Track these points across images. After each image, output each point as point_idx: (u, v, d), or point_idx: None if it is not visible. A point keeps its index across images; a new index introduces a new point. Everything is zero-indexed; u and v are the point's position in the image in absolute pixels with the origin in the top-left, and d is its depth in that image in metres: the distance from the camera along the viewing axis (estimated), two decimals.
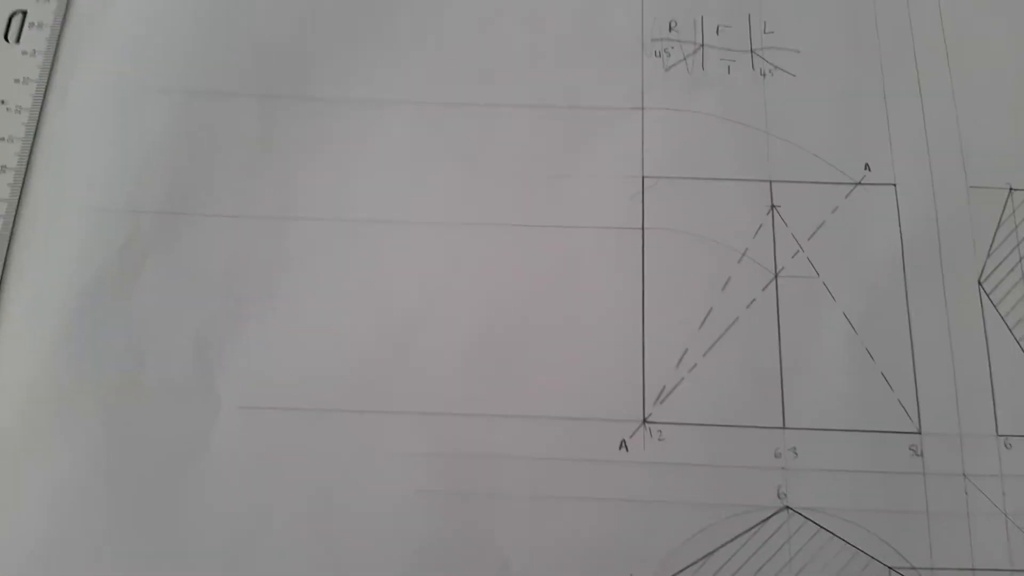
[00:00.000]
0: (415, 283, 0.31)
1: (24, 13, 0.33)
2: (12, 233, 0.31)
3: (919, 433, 0.30)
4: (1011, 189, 0.32)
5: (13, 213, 0.31)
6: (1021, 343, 0.31)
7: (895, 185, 0.33)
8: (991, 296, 0.31)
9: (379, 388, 0.30)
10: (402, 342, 0.31)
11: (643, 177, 0.33)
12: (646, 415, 0.30)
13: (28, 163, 0.32)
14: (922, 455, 0.29)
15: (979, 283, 0.31)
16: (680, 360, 0.31)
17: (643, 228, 0.32)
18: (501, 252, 0.32)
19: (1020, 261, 0.32)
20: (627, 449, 0.30)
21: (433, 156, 0.33)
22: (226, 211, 0.32)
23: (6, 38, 0.33)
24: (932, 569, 0.28)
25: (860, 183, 0.33)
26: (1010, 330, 0.31)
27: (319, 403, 0.30)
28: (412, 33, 0.35)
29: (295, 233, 0.32)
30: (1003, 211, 0.32)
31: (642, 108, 0.34)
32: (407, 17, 0.35)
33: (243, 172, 0.32)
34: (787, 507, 0.29)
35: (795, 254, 0.32)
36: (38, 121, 0.32)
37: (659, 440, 0.30)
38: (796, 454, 0.29)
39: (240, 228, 0.32)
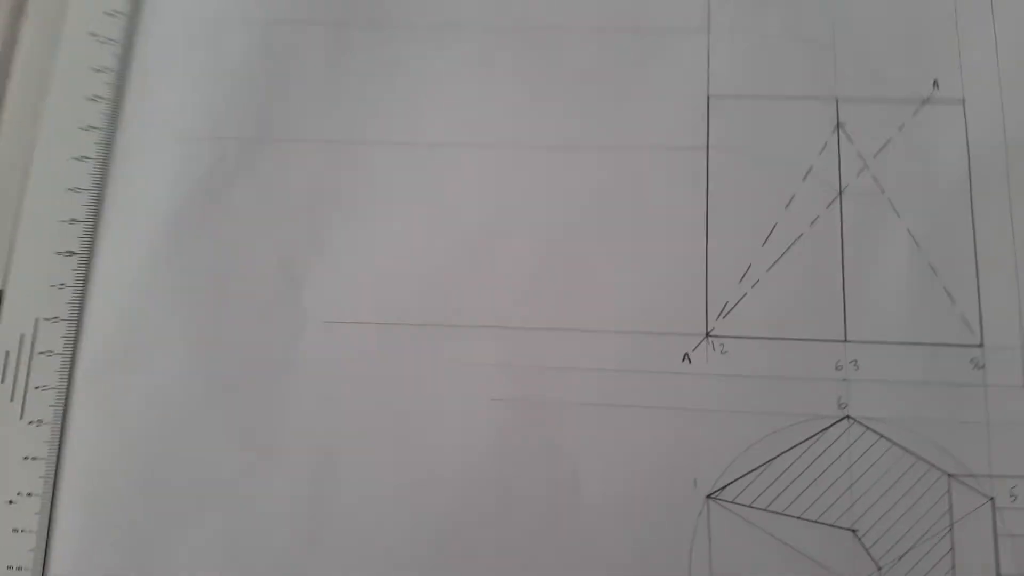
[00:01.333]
0: (486, 203, 0.33)
1: None
2: (107, 161, 0.33)
3: (981, 346, 0.30)
4: None
5: (108, 142, 0.33)
6: None
7: (963, 103, 0.32)
8: None
9: (454, 302, 0.32)
10: (475, 259, 0.32)
11: (708, 96, 0.33)
12: (709, 329, 0.31)
13: (120, 93, 0.34)
14: (984, 367, 0.30)
15: None
16: (743, 276, 0.31)
17: (708, 147, 0.33)
18: (568, 172, 0.33)
19: None
20: (690, 361, 0.31)
21: (501, 80, 0.34)
22: (305, 136, 0.33)
23: None
24: (991, 476, 0.29)
25: (928, 100, 0.32)
26: None
27: (398, 317, 0.32)
28: None
29: (372, 156, 0.33)
30: None
31: (708, 28, 0.34)
32: None
33: (319, 98, 0.34)
34: (847, 416, 0.30)
35: (860, 171, 0.32)
36: (128, 53, 0.34)
37: (722, 353, 0.31)
38: (857, 367, 0.30)
39: (319, 152, 0.33)
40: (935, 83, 0.33)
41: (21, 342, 0.31)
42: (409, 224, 0.32)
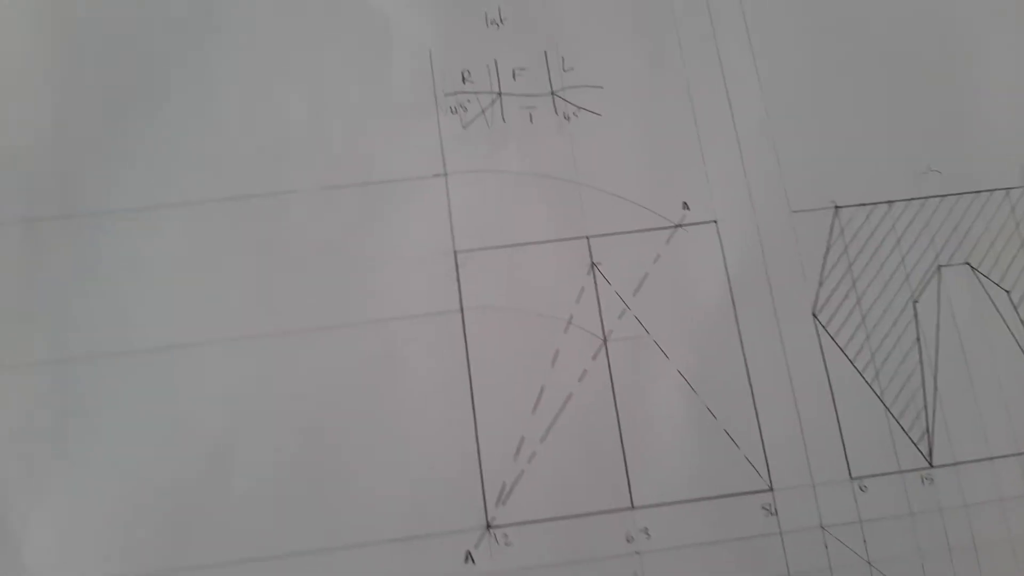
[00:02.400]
0: (217, 412, 0.28)
1: None
2: None
3: (771, 490, 0.28)
4: (836, 207, 0.31)
5: None
6: (864, 374, 0.29)
7: (716, 222, 0.31)
8: (827, 327, 0.30)
9: (193, 539, 0.27)
10: (211, 483, 0.27)
11: (455, 252, 0.30)
12: (489, 519, 0.28)
13: None
14: (776, 513, 0.28)
15: (814, 315, 0.30)
16: (518, 450, 0.28)
17: (462, 309, 0.29)
18: (307, 362, 0.29)
19: (854, 285, 0.30)
20: (474, 561, 0.27)
21: (218, 262, 0.29)
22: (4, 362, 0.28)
23: None
24: None
25: (680, 225, 0.31)
26: (851, 361, 0.29)
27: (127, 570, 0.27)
28: (180, 125, 0.31)
29: (77, 377, 0.28)
30: (831, 232, 0.31)
31: (445, 174, 0.31)
32: (172, 109, 0.31)
33: (10, 313, 0.28)
34: None
35: (622, 314, 0.30)
36: None
37: (506, 545, 0.28)
38: (648, 535, 0.28)
39: (14, 379, 0.28)
40: (685, 204, 0.31)
41: None
42: (130, 450, 0.27)
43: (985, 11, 0.33)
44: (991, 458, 0.29)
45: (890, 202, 0.31)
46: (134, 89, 0.31)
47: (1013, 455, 0.29)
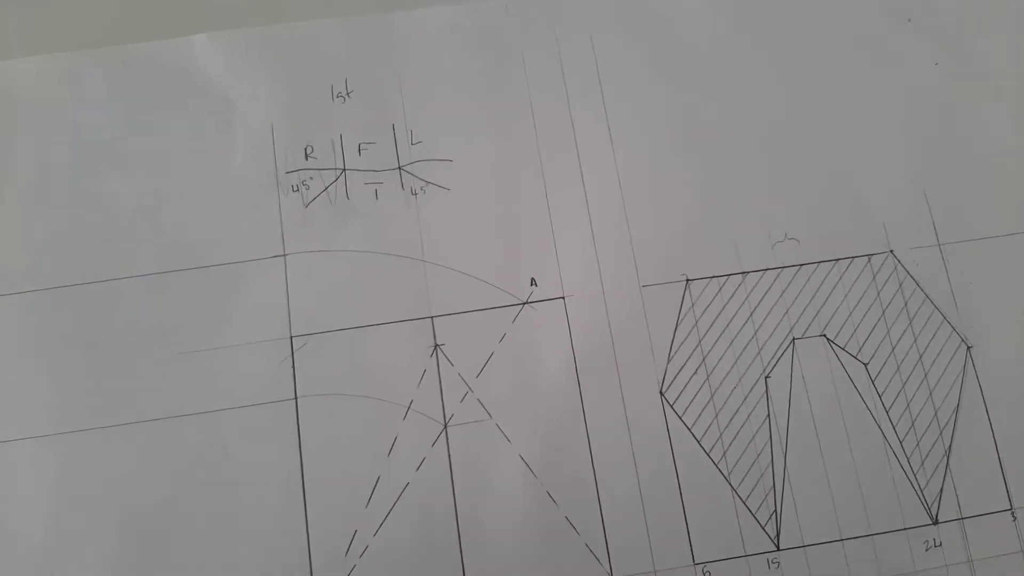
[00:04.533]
0: (41, 507, 0.28)
1: None
2: None
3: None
4: (687, 279, 0.30)
5: None
6: (711, 454, 0.29)
7: (564, 298, 0.30)
8: (674, 406, 0.29)
9: None
10: None
11: (291, 337, 0.29)
12: None
13: None
14: None
15: (661, 394, 0.29)
16: (349, 546, 0.28)
17: (296, 398, 0.29)
18: (138, 455, 0.28)
19: (703, 361, 0.29)
20: None
21: (47, 353, 0.29)
22: None
23: None
24: None
25: (527, 302, 0.30)
26: (698, 441, 0.29)
27: None
28: (7, 214, 0.30)
29: None
30: (681, 306, 0.30)
31: (283, 255, 0.30)
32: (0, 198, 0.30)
33: None
34: None
35: (464, 397, 0.29)
36: None
37: None
38: None
39: None
40: (533, 281, 0.30)
41: None
42: None
43: (840, 75, 0.32)
44: (841, 539, 0.28)
45: (744, 273, 0.30)
46: None
47: (864, 536, 0.28)
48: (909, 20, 0.33)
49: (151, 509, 0.28)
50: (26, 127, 0.31)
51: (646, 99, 0.32)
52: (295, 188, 0.31)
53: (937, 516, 0.28)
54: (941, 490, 0.28)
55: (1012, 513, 0.28)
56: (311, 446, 0.28)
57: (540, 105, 0.32)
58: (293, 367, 0.29)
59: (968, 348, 0.30)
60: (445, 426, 0.29)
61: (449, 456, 0.28)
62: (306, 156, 0.31)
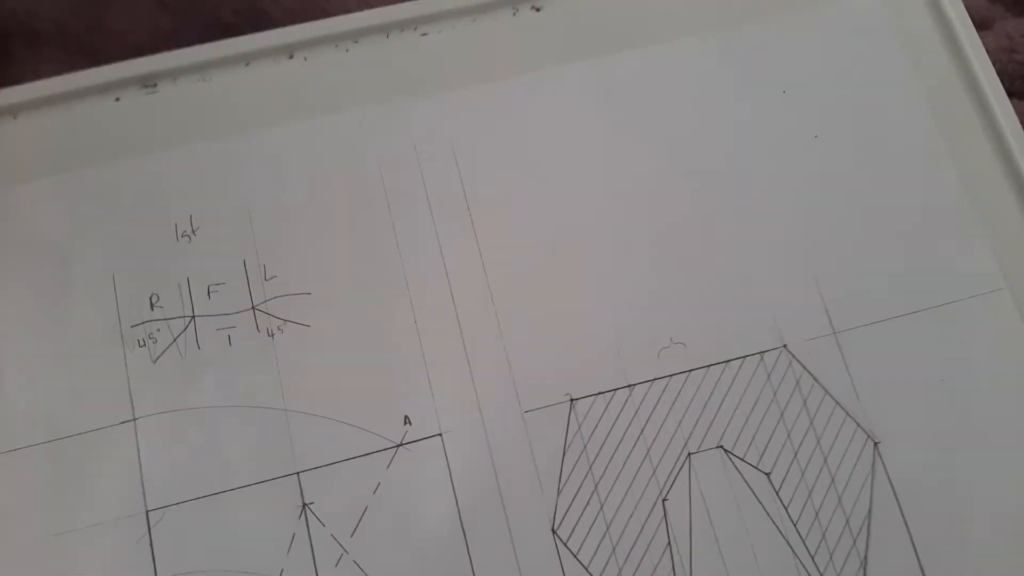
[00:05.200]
0: None
1: None
2: None
3: None
4: (571, 399, 0.28)
5: None
6: None
7: (441, 434, 0.28)
8: (568, 543, 0.27)
9: None
10: None
11: (147, 512, 0.27)
12: None
13: None
14: None
15: (553, 531, 0.27)
16: None
17: None
18: None
19: (595, 489, 0.27)
20: None
21: None
22: None
23: None
24: None
25: (401, 443, 0.28)
26: None
27: None
28: None
29: None
30: (567, 429, 0.28)
31: (134, 419, 0.28)
32: None
33: None
34: None
35: (339, 560, 0.27)
36: None
37: None
38: None
39: None
40: (407, 419, 0.28)
41: None
42: None
43: (716, 160, 0.31)
44: None
45: (630, 386, 0.28)
46: None
47: None
48: (784, 92, 0.31)
49: None
50: None
51: (516, 212, 0.30)
52: (142, 343, 0.28)
53: None
54: None
55: None
56: None
57: (402, 226, 0.30)
58: (151, 545, 0.26)
59: (875, 444, 0.28)
60: None
61: None
62: (151, 306, 0.29)
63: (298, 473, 0.27)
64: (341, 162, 0.30)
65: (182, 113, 0.31)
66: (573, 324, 0.29)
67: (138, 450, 0.27)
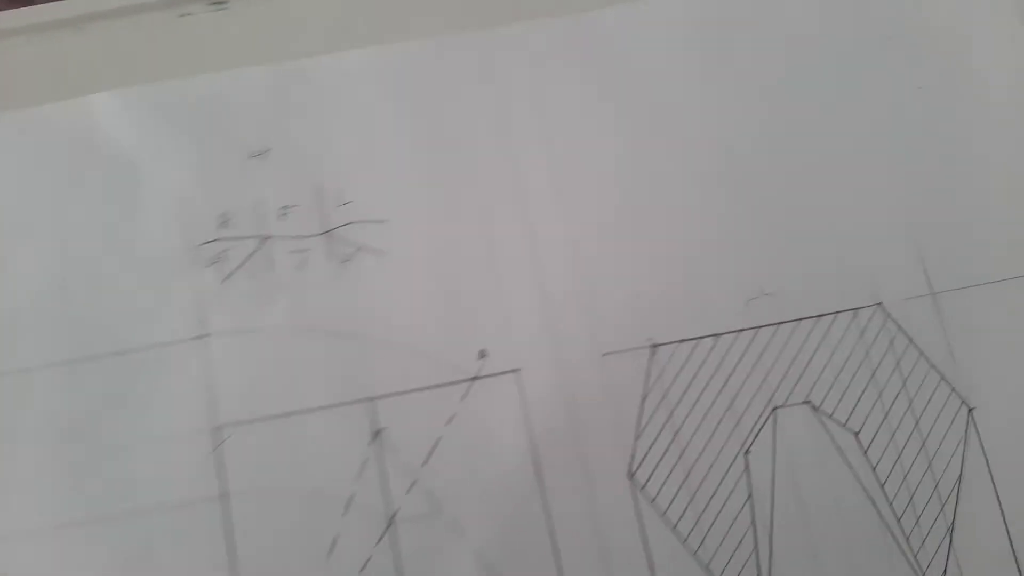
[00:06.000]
0: None
1: None
2: None
3: None
4: (653, 346, 0.27)
5: None
6: (688, 542, 0.26)
7: (517, 371, 0.27)
8: (645, 489, 0.26)
9: None
10: None
11: (217, 428, 0.26)
12: None
13: None
14: None
15: (630, 475, 0.26)
16: None
17: (222, 495, 0.26)
18: (46, 566, 0.25)
19: (675, 436, 0.26)
20: None
21: None
22: None
23: None
24: None
25: (477, 377, 0.27)
26: (672, 528, 0.26)
27: None
28: None
29: None
30: (647, 376, 0.27)
31: (203, 336, 0.27)
32: None
33: None
34: None
35: (410, 487, 0.26)
36: None
37: None
38: None
39: None
40: (482, 352, 0.27)
41: None
42: None
43: (815, 111, 0.29)
44: None
45: (716, 335, 0.27)
46: None
47: None
48: (889, 38, 0.30)
49: None
50: None
51: (601, 147, 0.29)
52: (212, 261, 0.28)
53: None
54: (944, 572, 0.25)
55: None
56: (242, 547, 0.25)
57: (482, 156, 0.28)
58: (219, 461, 0.26)
59: (970, 410, 0.27)
60: (391, 521, 0.26)
61: (396, 554, 0.25)
62: (222, 225, 0.28)
63: (371, 399, 0.27)
64: (420, 89, 0.29)
65: (252, 32, 0.29)
66: (657, 266, 0.28)
67: (209, 367, 0.27)
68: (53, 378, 0.27)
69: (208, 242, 0.28)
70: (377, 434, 0.26)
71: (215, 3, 0.29)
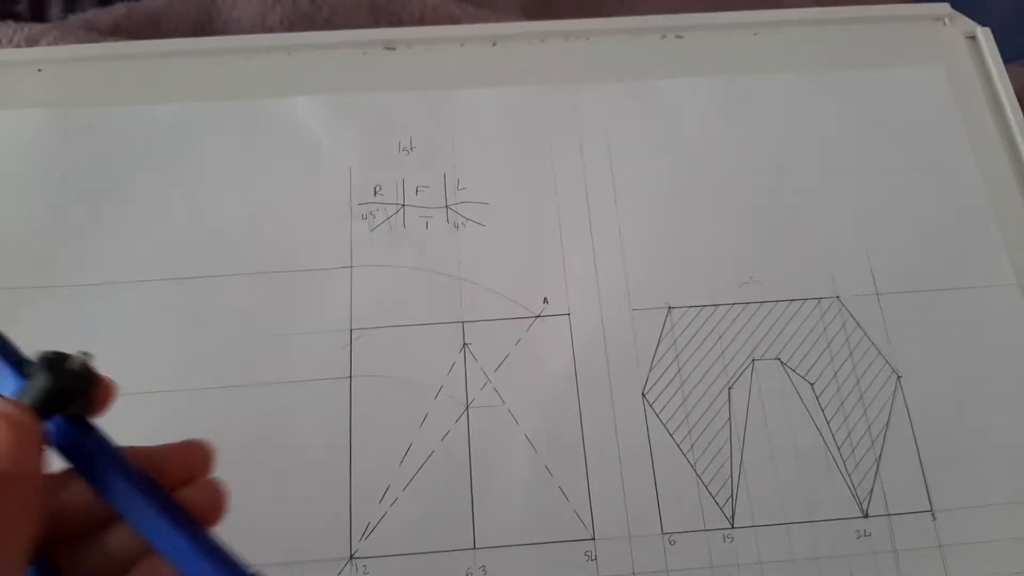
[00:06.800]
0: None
1: None
2: None
3: (593, 539, 0.34)
4: (669, 308, 0.37)
5: None
6: (681, 446, 0.35)
7: (569, 315, 0.37)
8: (653, 405, 0.36)
9: None
10: None
11: (351, 330, 0.37)
12: (353, 551, 0.33)
13: None
14: (596, 559, 0.33)
15: (643, 395, 0.36)
16: (383, 496, 0.34)
17: (351, 376, 0.36)
18: (217, 413, 0.35)
19: (679, 372, 0.36)
20: None
21: (161, 329, 0.37)
22: None
23: None
24: None
25: (539, 316, 0.37)
26: (671, 435, 0.35)
27: None
28: (141, 223, 0.39)
29: None
30: (663, 328, 0.37)
31: (351, 267, 0.38)
32: (137, 209, 0.39)
33: None
34: None
35: (483, 386, 0.36)
36: None
37: (364, 574, 0.33)
38: (485, 572, 0.33)
39: None
40: (545, 299, 0.38)
41: None
42: None
43: (801, 157, 0.41)
44: (786, 523, 0.34)
45: (715, 305, 0.38)
46: (108, 192, 0.39)
47: (806, 522, 0.34)
48: (862, 127, 0.42)
49: (225, 457, 0.35)
50: (164, 163, 0.40)
51: (646, 168, 0.40)
52: (364, 216, 0.39)
53: (868, 511, 0.34)
54: (871, 490, 0.35)
55: (932, 515, 0.34)
56: (359, 415, 0.35)
57: (561, 171, 0.40)
58: (351, 353, 0.36)
59: (898, 378, 0.36)
60: (467, 408, 0.36)
61: (469, 431, 0.35)
62: (375, 193, 0.40)
63: (463, 322, 0.37)
64: (524, 118, 0.41)
65: (411, 68, 0.42)
66: (678, 253, 0.38)
67: (351, 288, 0.38)
68: (241, 283, 0.38)
69: (364, 203, 0.39)
70: (464, 346, 0.37)
71: (387, 48, 0.42)
